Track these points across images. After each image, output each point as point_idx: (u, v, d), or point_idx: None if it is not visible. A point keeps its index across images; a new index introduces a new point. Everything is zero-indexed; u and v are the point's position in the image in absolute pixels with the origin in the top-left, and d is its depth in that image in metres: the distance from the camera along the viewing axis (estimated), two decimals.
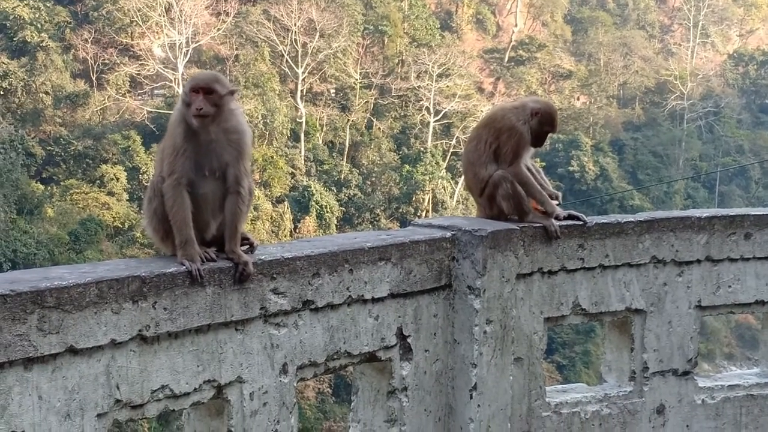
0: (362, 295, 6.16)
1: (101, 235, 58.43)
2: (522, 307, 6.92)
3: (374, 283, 6.22)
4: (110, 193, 61.51)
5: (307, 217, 64.36)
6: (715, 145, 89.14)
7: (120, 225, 60.01)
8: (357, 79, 75.85)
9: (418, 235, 6.63)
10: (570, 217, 7.24)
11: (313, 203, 64.93)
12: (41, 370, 4.73)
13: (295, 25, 72.36)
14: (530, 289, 6.98)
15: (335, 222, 65.34)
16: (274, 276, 5.67)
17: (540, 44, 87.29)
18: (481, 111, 71.88)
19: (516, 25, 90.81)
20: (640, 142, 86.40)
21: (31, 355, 4.67)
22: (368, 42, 79.18)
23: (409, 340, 6.46)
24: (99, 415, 4.96)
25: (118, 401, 5.01)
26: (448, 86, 75.35)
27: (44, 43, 65.73)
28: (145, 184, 62.99)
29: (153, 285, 5.12)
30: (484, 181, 7.15)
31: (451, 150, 73.72)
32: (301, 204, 65.29)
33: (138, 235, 57.67)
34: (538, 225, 7.03)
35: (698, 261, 7.67)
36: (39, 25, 66.42)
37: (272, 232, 61.46)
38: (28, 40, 65.51)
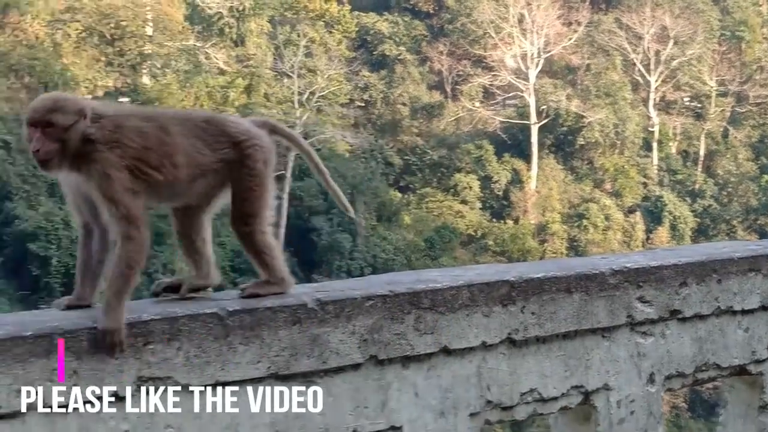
0: (731, 306, 5.99)
1: (455, 243, 59.80)
2: None
3: (744, 295, 6.03)
4: (464, 202, 62.92)
5: (659, 228, 63.29)
6: None
7: (473, 233, 61.21)
8: (712, 87, 73.77)
9: None
10: None
11: (666, 213, 63.81)
12: (417, 369, 4.90)
13: (647, 32, 71.34)
14: None
15: (689, 233, 63.79)
16: (640, 284, 5.61)
17: None
18: None
19: None
20: None
21: (408, 353, 4.86)
22: (724, 48, 76.68)
23: None
24: (471, 415, 5.07)
25: (489, 402, 5.11)
26: None
27: (402, 56, 68.39)
28: (498, 193, 64.08)
29: (521, 290, 5.19)
30: None
31: None
32: (653, 214, 64.32)
33: (491, 243, 58.70)
34: None
35: None
36: (397, 39, 69.20)
37: (624, 242, 60.89)
38: (387, 53, 68.40)
